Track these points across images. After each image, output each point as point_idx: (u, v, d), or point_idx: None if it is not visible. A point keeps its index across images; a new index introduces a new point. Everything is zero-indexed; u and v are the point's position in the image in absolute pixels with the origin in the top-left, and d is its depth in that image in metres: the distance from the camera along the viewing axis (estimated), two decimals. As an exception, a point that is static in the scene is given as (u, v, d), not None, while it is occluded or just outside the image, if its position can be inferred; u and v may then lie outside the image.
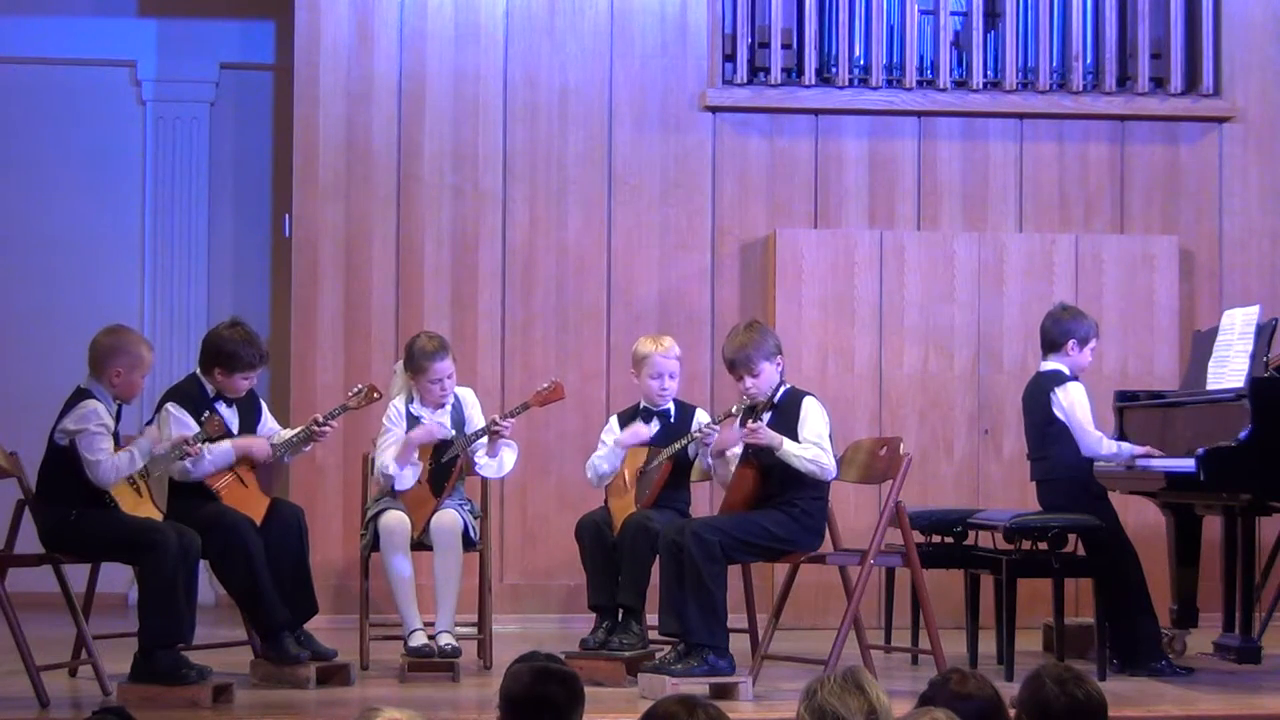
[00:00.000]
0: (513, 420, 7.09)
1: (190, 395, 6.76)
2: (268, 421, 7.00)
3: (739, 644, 6.70)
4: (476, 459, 7.12)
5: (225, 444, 6.67)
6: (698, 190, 9.19)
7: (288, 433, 6.99)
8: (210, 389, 6.78)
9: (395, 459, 7.05)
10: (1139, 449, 7.16)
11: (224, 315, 7.38)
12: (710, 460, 6.98)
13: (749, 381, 6.63)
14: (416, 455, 7.08)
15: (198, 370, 6.83)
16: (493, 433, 7.04)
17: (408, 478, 7.08)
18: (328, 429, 6.88)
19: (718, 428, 6.85)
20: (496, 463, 7.15)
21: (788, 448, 6.49)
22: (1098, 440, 7.16)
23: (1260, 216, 9.47)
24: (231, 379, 6.75)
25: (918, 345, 9.07)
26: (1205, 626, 7.60)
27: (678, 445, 6.91)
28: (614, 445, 7.06)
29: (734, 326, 6.99)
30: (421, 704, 5.99)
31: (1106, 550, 7.02)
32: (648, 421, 7.09)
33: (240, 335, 6.77)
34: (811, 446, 6.52)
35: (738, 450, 6.73)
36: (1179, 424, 7.30)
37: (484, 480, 7.35)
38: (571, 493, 8.50)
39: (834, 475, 6.62)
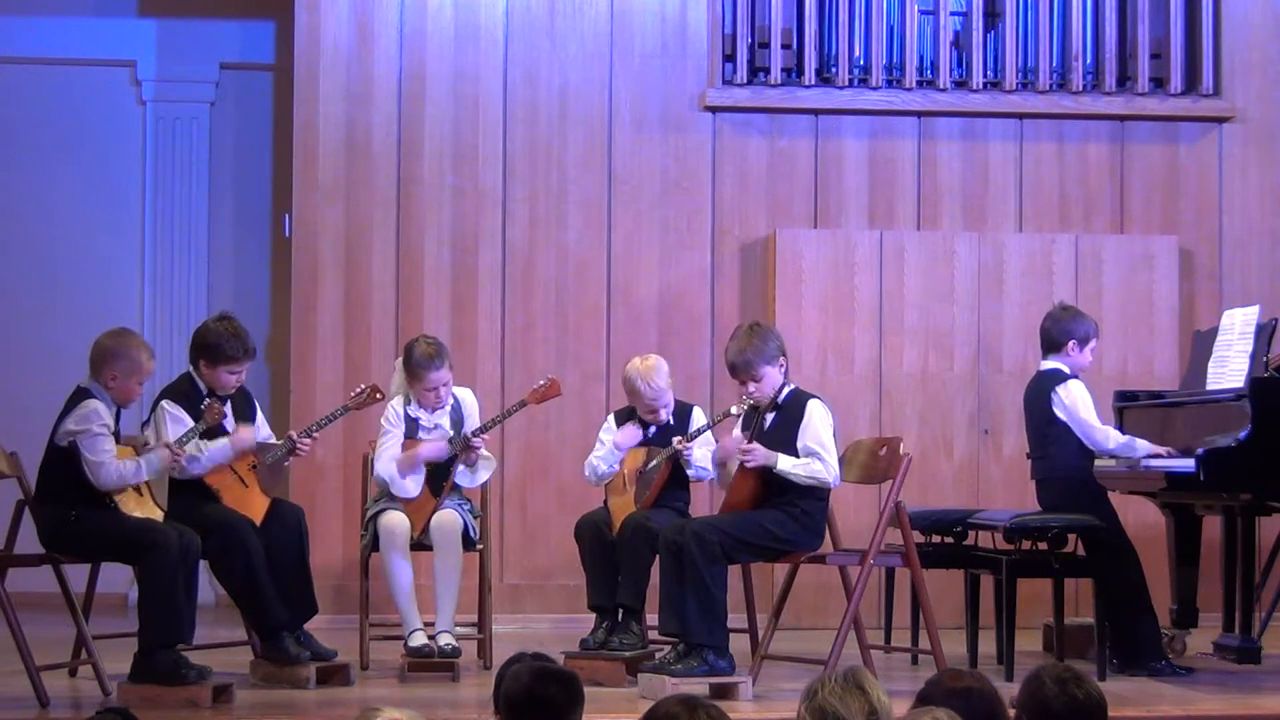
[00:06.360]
0: (485, 436, 7.07)
1: (184, 392, 6.74)
2: (263, 427, 6.98)
3: (739, 644, 6.69)
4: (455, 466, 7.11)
5: (222, 441, 6.67)
6: (698, 190, 9.19)
7: (273, 442, 6.95)
8: (203, 385, 6.75)
9: (399, 469, 7.04)
10: (1152, 446, 7.13)
11: (223, 316, 7.36)
12: (697, 469, 6.97)
13: (751, 386, 6.58)
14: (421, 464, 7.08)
15: (190, 367, 6.82)
16: (466, 446, 7.02)
17: (411, 487, 7.07)
18: (308, 443, 6.85)
19: (691, 444, 6.85)
20: (471, 474, 7.14)
21: (783, 465, 6.45)
22: (1105, 435, 7.14)
23: (1260, 216, 9.46)
24: (215, 372, 6.70)
25: (918, 345, 9.06)
26: (1205, 626, 7.60)
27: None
28: (611, 447, 7.06)
29: (736, 328, 6.89)
30: (421, 704, 5.99)
31: (1106, 550, 7.01)
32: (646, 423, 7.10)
33: (227, 329, 6.72)
34: (810, 460, 6.47)
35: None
36: (1179, 424, 7.29)
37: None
38: (571, 493, 8.50)
39: (835, 484, 6.57)
